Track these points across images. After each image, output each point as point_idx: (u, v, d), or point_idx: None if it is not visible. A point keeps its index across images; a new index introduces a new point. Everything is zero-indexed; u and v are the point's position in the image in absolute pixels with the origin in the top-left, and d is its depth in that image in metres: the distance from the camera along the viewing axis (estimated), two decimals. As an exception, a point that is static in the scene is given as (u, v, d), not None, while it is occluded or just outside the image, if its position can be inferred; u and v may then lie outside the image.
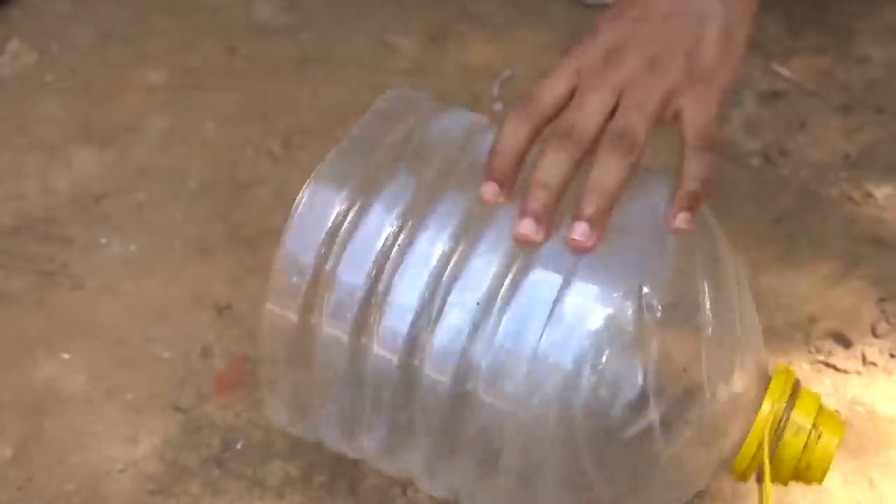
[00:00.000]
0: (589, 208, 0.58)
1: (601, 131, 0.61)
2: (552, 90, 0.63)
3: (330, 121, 1.02)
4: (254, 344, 0.83)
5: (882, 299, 0.84)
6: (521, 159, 0.61)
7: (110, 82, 1.10)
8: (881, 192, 0.93)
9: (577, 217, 0.58)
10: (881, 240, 0.89)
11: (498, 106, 1.05)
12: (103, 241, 0.92)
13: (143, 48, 1.14)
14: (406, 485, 0.73)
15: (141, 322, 0.85)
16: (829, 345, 0.81)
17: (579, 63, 0.64)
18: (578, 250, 0.58)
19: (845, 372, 0.80)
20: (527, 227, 0.58)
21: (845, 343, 0.81)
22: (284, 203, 0.95)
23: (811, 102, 1.03)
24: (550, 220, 0.59)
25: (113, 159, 1.01)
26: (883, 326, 0.82)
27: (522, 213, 0.58)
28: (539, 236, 0.58)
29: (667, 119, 0.62)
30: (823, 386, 0.79)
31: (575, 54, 0.64)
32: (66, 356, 0.83)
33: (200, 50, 1.13)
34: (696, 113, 0.62)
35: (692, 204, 0.60)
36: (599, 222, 0.58)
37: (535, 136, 0.62)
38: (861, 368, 0.80)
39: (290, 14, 1.17)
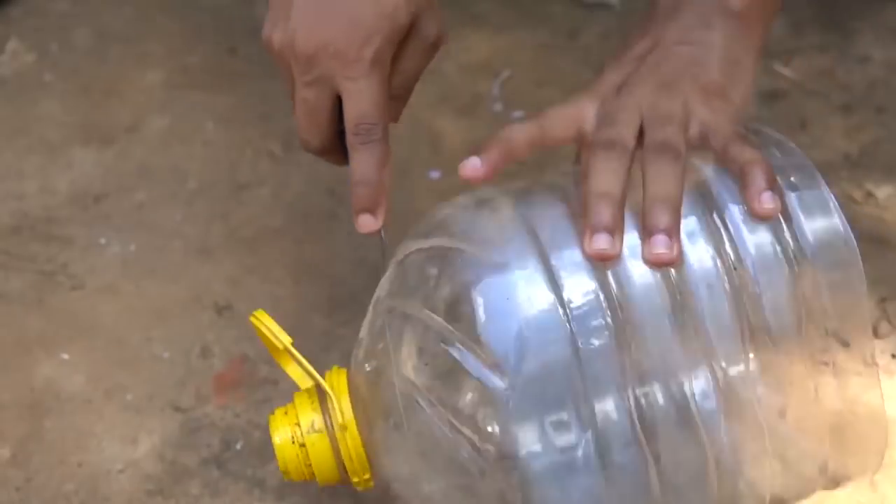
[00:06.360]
0: (662, 218, 0.56)
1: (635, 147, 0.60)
2: (563, 118, 0.62)
3: (330, 121, 1.02)
4: (253, 344, 0.82)
5: (883, 299, 0.84)
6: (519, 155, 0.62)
7: (110, 82, 1.10)
8: (882, 191, 0.93)
9: (651, 231, 0.56)
10: (882, 239, 0.89)
11: (498, 106, 1.05)
12: (103, 241, 0.92)
13: (143, 48, 1.14)
14: (406, 485, 0.73)
15: (141, 322, 0.85)
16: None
17: (592, 98, 0.63)
18: (663, 265, 0.56)
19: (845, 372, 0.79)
20: (603, 241, 0.56)
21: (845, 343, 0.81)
22: (284, 203, 0.96)
23: (812, 102, 1.02)
24: (622, 230, 0.56)
25: (113, 159, 1.01)
26: (885, 327, 0.82)
27: (594, 229, 0.56)
28: (616, 249, 0.56)
29: (693, 140, 0.60)
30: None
31: (586, 92, 0.64)
32: (65, 356, 0.82)
33: (200, 50, 1.13)
34: (720, 121, 0.61)
35: (772, 184, 0.57)
36: (676, 231, 0.56)
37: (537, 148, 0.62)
38: (861, 369, 0.80)
39: (290, 14, 1.17)
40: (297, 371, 0.65)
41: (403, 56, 0.65)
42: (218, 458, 0.75)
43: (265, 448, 0.75)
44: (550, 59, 1.11)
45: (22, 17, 1.19)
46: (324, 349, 0.81)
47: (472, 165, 0.60)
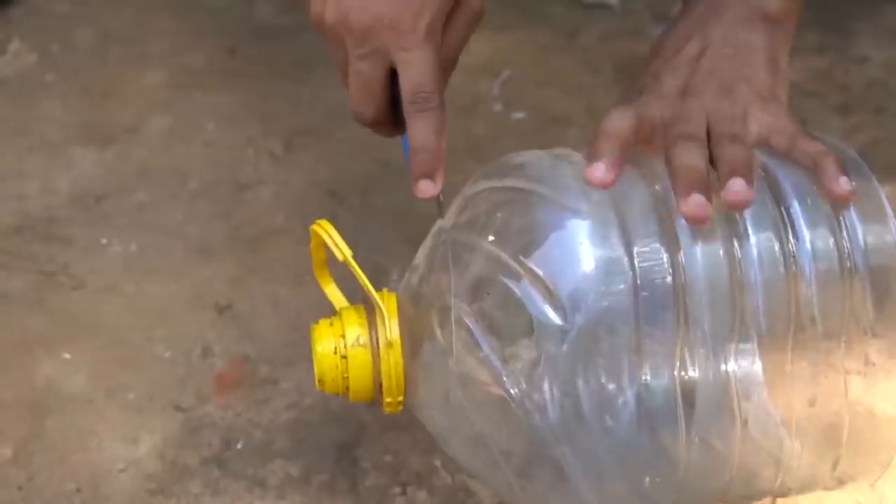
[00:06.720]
0: (738, 180, 0.58)
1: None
2: (626, 121, 0.62)
3: (330, 121, 1.02)
4: (254, 344, 0.83)
5: (881, 299, 0.84)
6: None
7: (111, 83, 1.10)
8: (880, 192, 0.93)
9: (726, 178, 0.58)
10: (880, 240, 0.89)
11: (498, 106, 1.05)
12: (104, 241, 0.92)
13: (143, 49, 1.14)
14: (406, 484, 0.73)
15: (142, 322, 0.85)
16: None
17: (656, 99, 0.64)
18: (741, 205, 0.58)
19: (845, 372, 0.79)
20: (697, 202, 0.57)
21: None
22: (285, 203, 0.96)
23: (810, 103, 1.03)
24: (710, 198, 0.58)
25: (114, 160, 1.01)
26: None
27: (688, 190, 0.57)
28: (709, 212, 0.57)
29: (753, 142, 0.63)
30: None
31: (650, 95, 0.65)
32: (66, 356, 0.83)
33: (201, 50, 1.13)
34: (780, 121, 0.64)
35: (844, 172, 0.60)
36: (749, 176, 0.58)
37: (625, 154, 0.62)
38: (861, 368, 0.80)
39: (291, 14, 1.17)
40: (335, 292, 0.66)
41: (451, 27, 0.67)
42: (219, 457, 0.75)
43: (266, 447, 0.76)
44: (550, 60, 1.11)
45: (23, 18, 1.19)
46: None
47: (601, 172, 0.59)
